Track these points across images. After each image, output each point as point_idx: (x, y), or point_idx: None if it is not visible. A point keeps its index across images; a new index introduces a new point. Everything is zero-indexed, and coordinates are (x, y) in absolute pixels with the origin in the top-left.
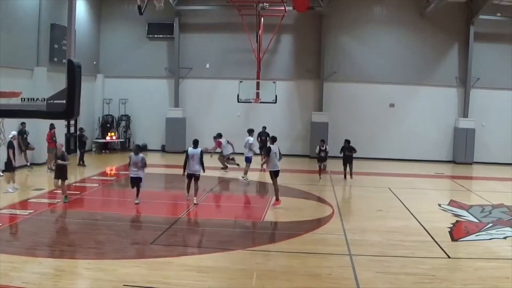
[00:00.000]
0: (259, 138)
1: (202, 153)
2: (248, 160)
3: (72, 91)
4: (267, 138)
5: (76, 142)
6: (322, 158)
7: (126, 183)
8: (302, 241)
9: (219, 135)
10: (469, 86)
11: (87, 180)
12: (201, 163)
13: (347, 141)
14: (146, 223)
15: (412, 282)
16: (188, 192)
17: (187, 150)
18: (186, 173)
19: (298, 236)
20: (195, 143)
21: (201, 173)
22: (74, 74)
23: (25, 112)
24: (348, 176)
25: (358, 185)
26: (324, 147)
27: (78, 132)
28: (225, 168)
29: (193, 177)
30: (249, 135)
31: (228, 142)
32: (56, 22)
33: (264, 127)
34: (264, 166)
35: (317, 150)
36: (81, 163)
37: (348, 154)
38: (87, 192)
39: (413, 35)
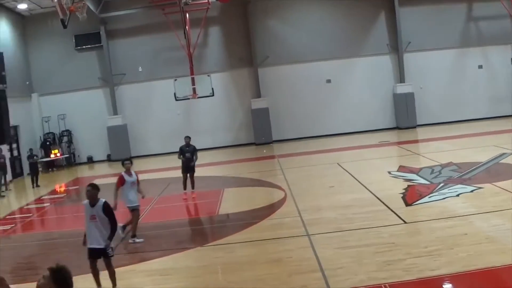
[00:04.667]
0: (181, 156)
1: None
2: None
3: None
4: (194, 156)
5: (21, 165)
6: None
7: (78, 198)
8: (259, 228)
9: None
10: (401, 51)
11: (38, 201)
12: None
13: (187, 137)
14: None
15: (373, 252)
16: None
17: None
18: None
19: (255, 224)
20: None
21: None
22: None
23: None
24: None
25: (307, 164)
26: None
27: (28, 153)
28: None
29: None
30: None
31: None
32: None
33: (188, 138)
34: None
35: None
36: (35, 184)
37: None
38: (40, 213)
39: (340, 9)
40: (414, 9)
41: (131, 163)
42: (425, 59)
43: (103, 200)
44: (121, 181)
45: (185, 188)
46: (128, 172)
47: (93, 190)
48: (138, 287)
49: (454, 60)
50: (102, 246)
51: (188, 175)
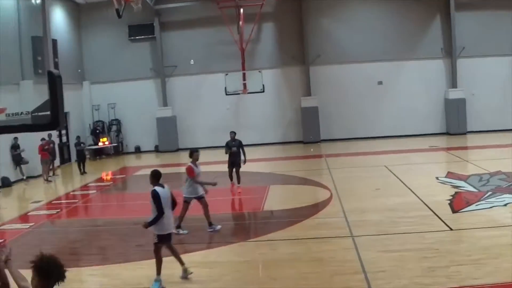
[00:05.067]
0: (228, 151)
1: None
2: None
3: (54, 102)
4: (240, 150)
5: (69, 151)
6: None
7: (124, 187)
8: (303, 227)
9: None
10: (455, 56)
11: (84, 188)
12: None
13: (233, 132)
14: None
15: (416, 257)
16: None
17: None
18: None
19: (299, 222)
20: None
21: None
22: (55, 84)
23: (11, 128)
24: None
25: (354, 165)
26: None
27: (76, 141)
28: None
29: None
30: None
31: None
32: (37, 35)
33: (233, 133)
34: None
35: None
36: (82, 171)
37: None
38: (85, 199)
39: (394, 10)
40: (470, 14)
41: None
42: (478, 66)
43: (153, 188)
44: (193, 171)
45: (231, 179)
46: (194, 162)
47: (150, 176)
48: (178, 278)
49: (508, 68)
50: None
51: (234, 169)
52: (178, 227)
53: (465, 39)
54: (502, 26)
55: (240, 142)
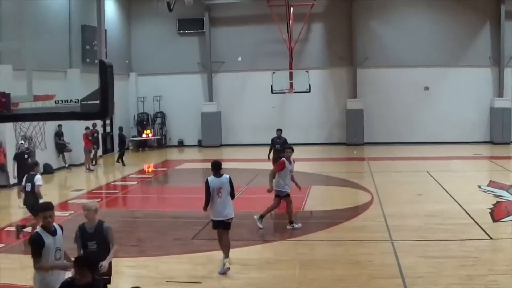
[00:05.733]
0: (272, 148)
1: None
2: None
3: (105, 91)
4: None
5: (112, 141)
6: None
7: (165, 180)
8: (343, 229)
9: None
10: (503, 65)
11: (126, 179)
12: None
13: (279, 130)
14: (187, 218)
15: (455, 265)
16: None
17: None
18: None
19: (339, 224)
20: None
21: None
22: (106, 74)
23: (60, 114)
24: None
25: (397, 170)
26: None
27: (118, 131)
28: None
29: None
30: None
31: None
32: (87, 23)
33: (280, 131)
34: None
35: None
36: (121, 162)
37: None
38: (126, 190)
39: (444, 16)
40: None
41: (293, 151)
42: None
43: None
44: (282, 167)
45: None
46: (289, 159)
47: None
48: (215, 274)
49: None
50: None
51: None
52: (291, 222)
53: None
54: None
55: (285, 140)
